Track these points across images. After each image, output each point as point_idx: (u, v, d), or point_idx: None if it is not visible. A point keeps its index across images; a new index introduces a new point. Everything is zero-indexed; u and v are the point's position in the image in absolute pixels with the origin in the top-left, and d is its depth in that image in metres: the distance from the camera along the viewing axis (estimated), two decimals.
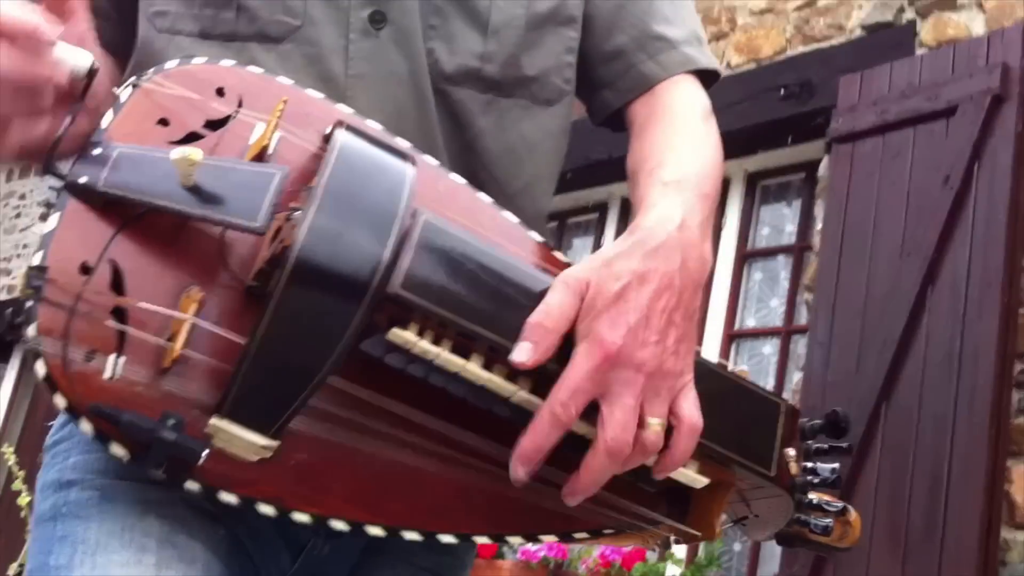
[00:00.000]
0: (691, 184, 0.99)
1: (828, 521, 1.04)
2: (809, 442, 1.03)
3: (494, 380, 0.85)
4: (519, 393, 0.86)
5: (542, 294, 0.86)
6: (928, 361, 3.26)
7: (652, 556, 3.89)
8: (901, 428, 3.23)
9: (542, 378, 0.86)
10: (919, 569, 3.04)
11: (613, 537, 0.99)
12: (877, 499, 3.19)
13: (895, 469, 3.20)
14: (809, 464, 1.02)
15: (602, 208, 5.16)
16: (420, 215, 0.84)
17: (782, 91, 4.22)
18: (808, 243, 4.12)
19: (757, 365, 4.28)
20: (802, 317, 4.06)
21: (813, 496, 1.04)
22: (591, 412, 0.85)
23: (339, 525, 0.87)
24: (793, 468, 0.99)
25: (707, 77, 1.19)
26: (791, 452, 0.99)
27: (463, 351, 0.85)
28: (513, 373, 0.86)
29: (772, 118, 4.25)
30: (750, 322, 4.45)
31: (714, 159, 1.07)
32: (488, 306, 0.85)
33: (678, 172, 1.01)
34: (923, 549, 3.05)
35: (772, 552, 3.73)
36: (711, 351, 4.27)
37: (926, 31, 3.87)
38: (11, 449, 4.31)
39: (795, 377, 3.79)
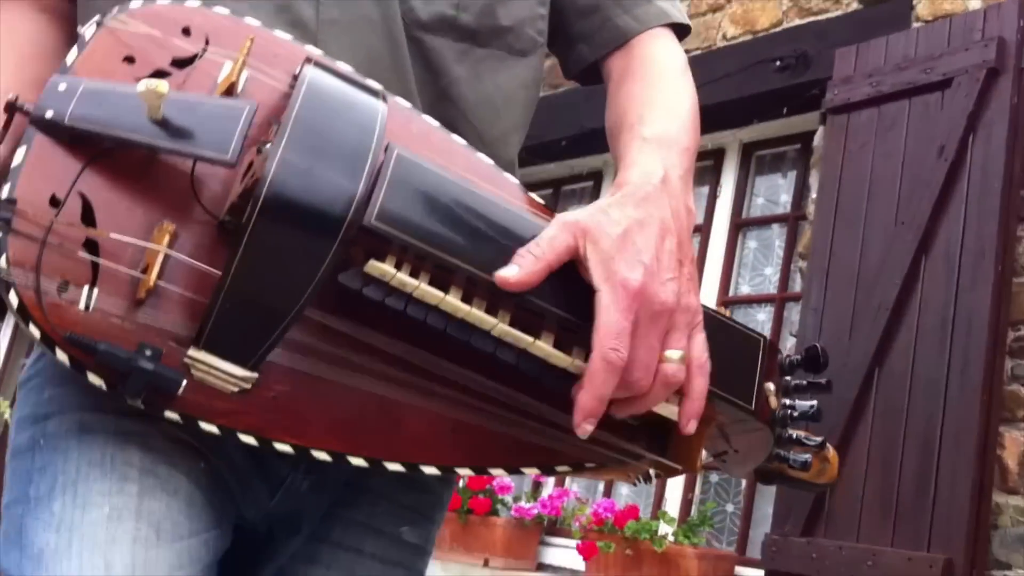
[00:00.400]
0: (670, 139, 1.01)
1: (807, 456, 1.04)
2: (788, 378, 1.03)
3: (473, 313, 0.85)
4: (499, 326, 0.85)
5: (517, 227, 0.86)
6: (921, 329, 3.28)
7: (645, 514, 3.94)
8: (894, 393, 3.26)
9: (521, 312, 0.86)
10: (910, 531, 3.08)
11: (595, 471, 0.99)
12: (869, 462, 3.22)
13: (887, 433, 3.23)
14: (788, 401, 1.02)
15: (597, 176, 5.17)
16: (393, 149, 0.84)
17: (777, 63, 4.22)
18: (802, 212, 4.13)
19: None
20: (796, 285, 4.09)
21: (792, 431, 1.03)
22: (579, 344, 0.86)
23: (321, 455, 0.87)
24: (772, 402, 0.99)
25: (680, 32, 1.20)
26: (770, 387, 0.99)
27: (441, 284, 0.84)
28: (492, 307, 0.86)
29: (767, 89, 4.26)
30: (744, 289, 4.47)
31: (691, 111, 1.08)
32: (464, 239, 0.84)
33: (657, 127, 1.02)
34: (915, 512, 3.09)
35: (764, 513, 3.77)
36: None
37: (923, 6, 3.87)
38: (7, 403, 4.28)
39: (789, 343, 3.83)
